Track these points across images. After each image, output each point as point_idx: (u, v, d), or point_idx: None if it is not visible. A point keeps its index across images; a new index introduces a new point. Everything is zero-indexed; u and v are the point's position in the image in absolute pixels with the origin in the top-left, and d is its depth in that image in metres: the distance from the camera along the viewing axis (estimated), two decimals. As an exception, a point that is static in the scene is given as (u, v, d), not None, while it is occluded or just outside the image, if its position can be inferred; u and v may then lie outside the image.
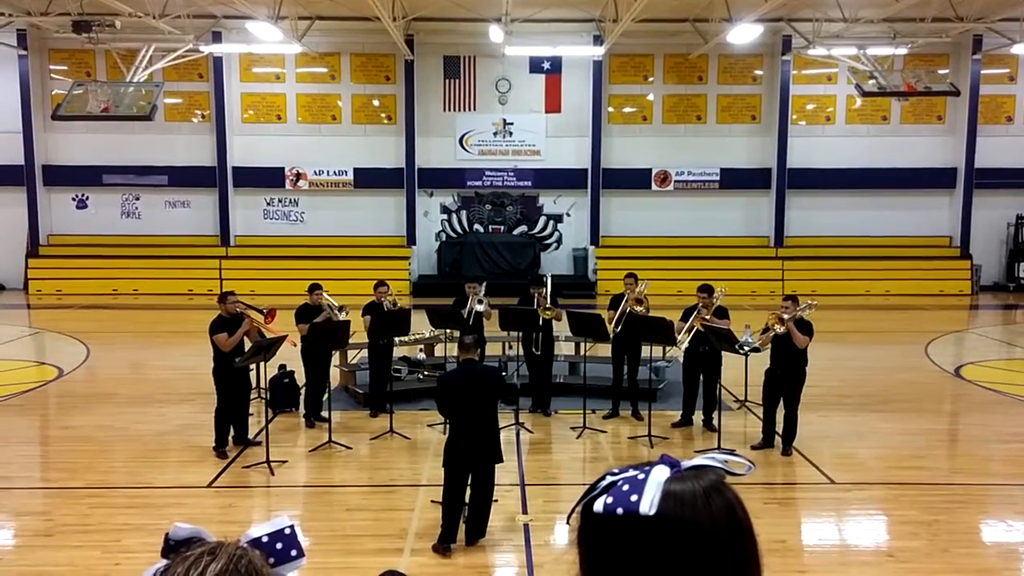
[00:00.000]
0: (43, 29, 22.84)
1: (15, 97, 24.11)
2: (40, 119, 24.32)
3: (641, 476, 1.22)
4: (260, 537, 1.29)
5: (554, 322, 11.47)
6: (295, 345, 10.46)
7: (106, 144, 24.54)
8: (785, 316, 9.52)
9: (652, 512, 1.18)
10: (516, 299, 12.07)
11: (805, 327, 9.59)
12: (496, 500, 7.99)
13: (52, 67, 24.86)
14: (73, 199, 25.36)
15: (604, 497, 1.22)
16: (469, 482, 7.17)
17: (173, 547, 1.25)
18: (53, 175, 24.96)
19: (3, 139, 24.39)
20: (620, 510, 1.20)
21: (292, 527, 1.32)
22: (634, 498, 1.19)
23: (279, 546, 1.30)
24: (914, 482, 8.94)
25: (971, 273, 24.68)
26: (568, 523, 1.29)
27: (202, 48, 21.96)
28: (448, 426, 7.29)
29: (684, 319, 10.63)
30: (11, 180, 24.49)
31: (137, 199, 25.38)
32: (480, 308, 11.49)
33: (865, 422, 11.16)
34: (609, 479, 1.24)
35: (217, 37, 23.44)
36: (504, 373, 12.58)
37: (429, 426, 10.68)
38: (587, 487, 1.27)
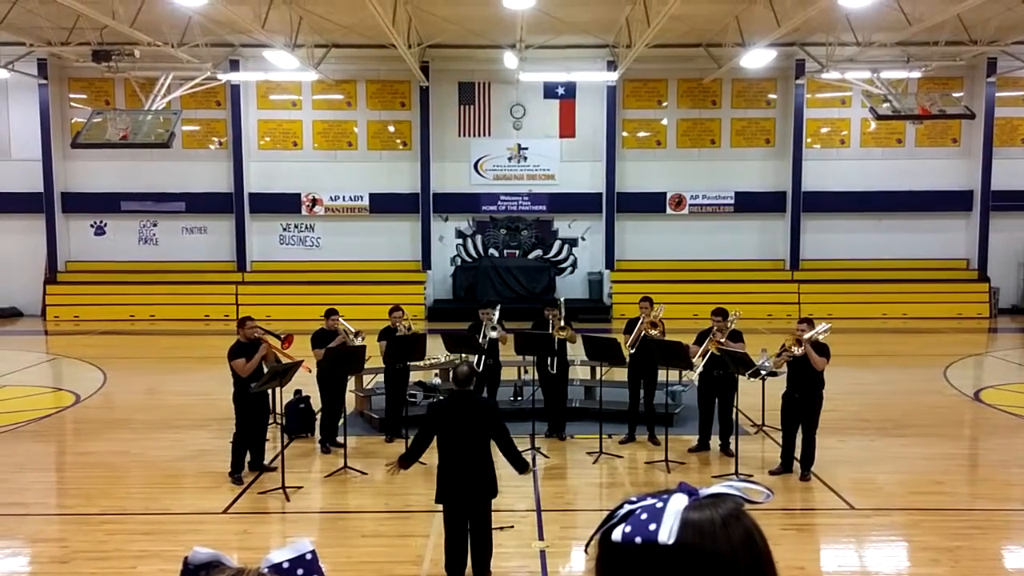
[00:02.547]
0: (63, 58, 23.14)
1: (35, 125, 24.42)
2: (60, 147, 24.60)
3: (659, 504, 1.21)
4: (281, 563, 1.26)
5: (569, 345, 11.46)
6: (310, 371, 10.47)
7: (124, 171, 24.79)
8: (803, 338, 9.48)
9: (671, 541, 1.17)
10: (529, 323, 12.06)
11: (822, 349, 9.54)
12: (512, 526, 7.96)
13: (72, 96, 25.18)
14: (91, 226, 25.59)
15: (622, 526, 1.21)
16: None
17: (192, 571, 1.24)
18: (72, 202, 25.20)
19: (23, 167, 24.67)
20: (639, 539, 1.19)
21: (313, 552, 1.29)
22: (652, 527, 1.18)
23: (300, 572, 1.27)
24: (935, 508, 8.83)
25: (989, 296, 24.51)
26: (586, 552, 1.28)
27: (220, 76, 22.22)
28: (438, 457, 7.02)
29: (698, 343, 10.59)
30: (31, 207, 24.75)
31: (154, 225, 25.57)
32: (494, 335, 11.48)
33: (884, 447, 11.05)
34: (627, 507, 1.23)
35: (235, 65, 23.70)
36: (520, 397, 12.57)
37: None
38: (605, 515, 1.26)
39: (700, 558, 1.18)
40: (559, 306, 11.46)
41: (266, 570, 1.25)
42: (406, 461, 7.18)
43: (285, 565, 1.26)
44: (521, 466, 7.12)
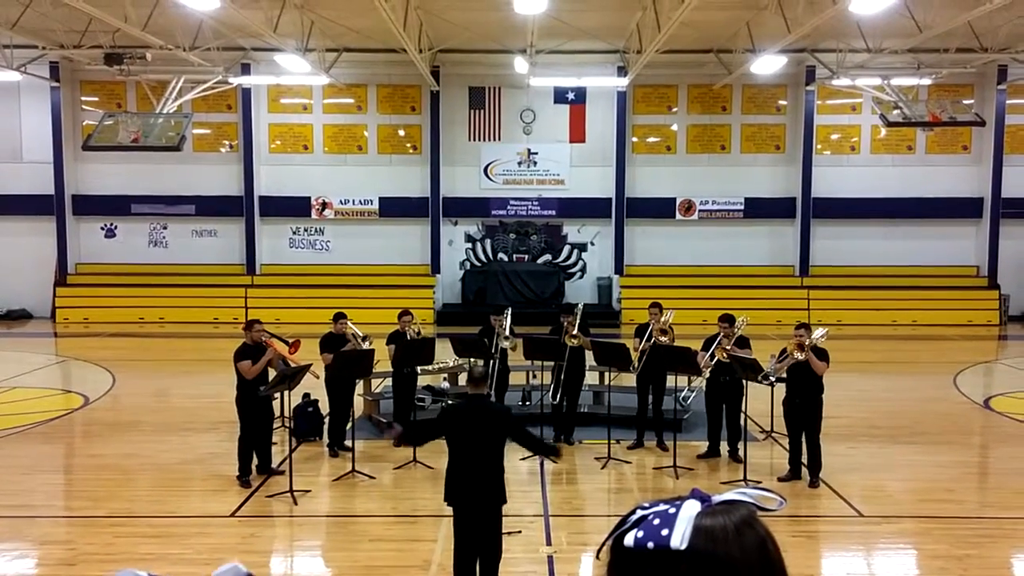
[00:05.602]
0: (75, 61, 23.26)
1: (47, 128, 24.53)
2: (71, 149, 24.70)
3: (672, 510, 1.20)
4: None
5: (587, 352, 11.42)
6: (317, 377, 10.48)
7: (135, 174, 24.87)
8: (805, 343, 9.46)
9: (683, 547, 1.16)
10: (537, 327, 12.04)
11: (821, 354, 9.52)
12: (520, 531, 7.94)
13: (83, 98, 25.28)
14: (102, 228, 25.68)
15: (635, 531, 1.20)
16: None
17: None
18: (82, 204, 25.30)
19: (35, 169, 24.79)
20: (651, 544, 1.18)
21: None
22: (665, 532, 1.18)
23: None
24: (944, 515, 8.79)
25: (999, 303, 24.40)
26: (598, 557, 1.27)
27: (231, 80, 22.29)
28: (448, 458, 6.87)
29: (705, 349, 10.57)
30: (41, 209, 24.83)
31: (165, 228, 25.66)
32: (506, 344, 11.47)
33: (894, 454, 11.00)
34: (640, 513, 1.23)
35: (246, 69, 23.78)
36: (528, 402, 12.56)
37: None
38: (618, 520, 1.25)
39: (712, 564, 1.17)
40: (576, 313, 11.43)
41: None
42: (406, 439, 7.18)
43: None
44: (549, 451, 7.25)
